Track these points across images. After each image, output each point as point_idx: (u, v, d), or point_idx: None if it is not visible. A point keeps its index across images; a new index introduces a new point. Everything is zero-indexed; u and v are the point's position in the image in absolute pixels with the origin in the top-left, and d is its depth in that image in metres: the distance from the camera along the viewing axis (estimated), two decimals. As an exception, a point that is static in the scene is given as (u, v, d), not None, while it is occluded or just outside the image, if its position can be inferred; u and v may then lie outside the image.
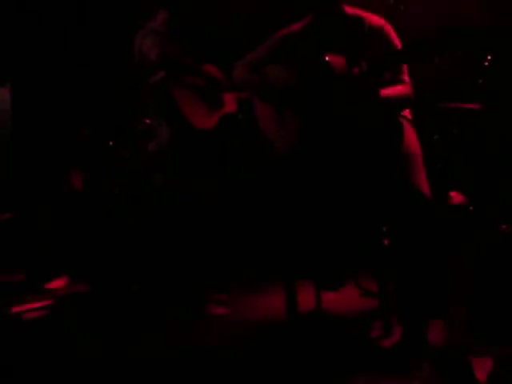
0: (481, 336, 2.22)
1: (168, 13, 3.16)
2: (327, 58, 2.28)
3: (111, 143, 3.92)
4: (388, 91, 2.29)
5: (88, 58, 4.41)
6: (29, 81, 4.41)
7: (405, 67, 2.41)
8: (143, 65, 3.13)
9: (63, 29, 4.45)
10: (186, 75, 3.15)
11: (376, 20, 2.46)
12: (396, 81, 2.35)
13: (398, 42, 2.41)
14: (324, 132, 2.37)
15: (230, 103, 3.28)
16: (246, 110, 3.21)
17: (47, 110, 4.34)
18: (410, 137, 2.38)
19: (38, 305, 3.29)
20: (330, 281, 2.47)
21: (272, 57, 2.59)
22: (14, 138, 4.36)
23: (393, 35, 2.42)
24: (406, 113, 2.48)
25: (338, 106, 2.29)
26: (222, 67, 3.31)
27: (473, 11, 3.54)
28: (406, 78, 2.40)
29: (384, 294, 2.46)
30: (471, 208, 2.57)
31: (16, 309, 3.19)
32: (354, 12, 2.49)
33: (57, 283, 3.79)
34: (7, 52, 4.31)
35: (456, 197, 2.63)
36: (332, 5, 2.45)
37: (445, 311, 2.25)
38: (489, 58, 3.17)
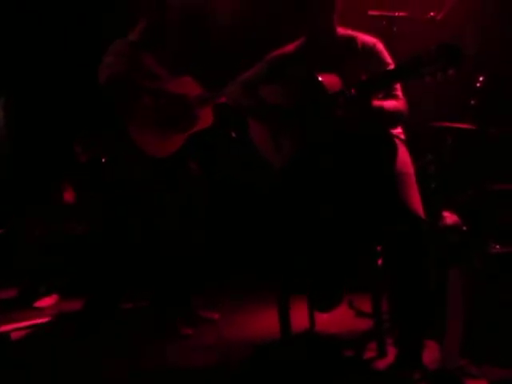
0: (476, 358, 2.20)
1: (146, 22, 3.11)
2: (320, 79, 2.28)
3: (103, 160, 3.90)
4: (381, 103, 2.30)
5: (80, 72, 4.41)
6: (22, 95, 4.41)
7: (398, 83, 2.42)
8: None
9: (56, 45, 4.46)
10: (144, 97, 3.06)
11: (368, 39, 2.48)
12: (390, 96, 2.36)
13: (390, 60, 2.43)
14: (318, 152, 2.38)
15: (205, 117, 3.16)
16: (240, 128, 3.20)
17: (40, 124, 4.34)
18: (403, 156, 2.39)
19: (26, 323, 3.25)
20: (324, 302, 2.45)
21: (265, 78, 2.60)
22: (7, 151, 4.35)
23: (385, 53, 2.44)
24: (399, 132, 2.49)
25: (331, 126, 2.30)
26: (208, 76, 3.27)
27: (464, 33, 3.60)
28: (400, 93, 2.41)
29: (378, 314, 2.44)
30: (465, 228, 2.56)
31: (4, 327, 3.14)
32: (346, 32, 2.51)
33: (46, 301, 3.75)
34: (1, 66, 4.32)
35: (449, 217, 2.63)
36: (325, 26, 2.47)
37: (440, 332, 2.24)
38: (480, 79, 3.19)
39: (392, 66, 2.38)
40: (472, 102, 3.13)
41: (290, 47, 2.60)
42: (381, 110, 2.28)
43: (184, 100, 3.15)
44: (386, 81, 2.25)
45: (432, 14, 3.28)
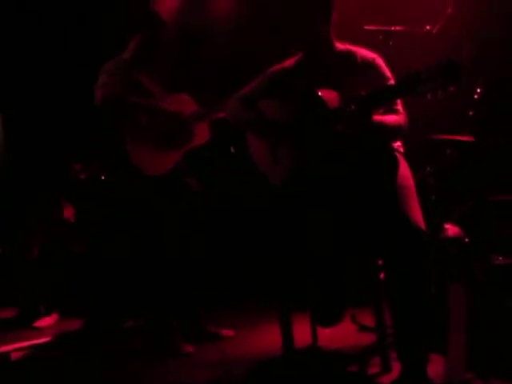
0: (481, 372, 2.18)
1: (140, 40, 3.11)
2: (320, 94, 2.29)
3: (103, 177, 3.90)
4: (382, 118, 2.30)
5: (80, 88, 4.43)
6: (20, 111, 4.42)
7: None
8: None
9: (55, 60, 4.48)
10: (139, 115, 3.07)
11: (367, 54, 2.49)
12: (390, 110, 2.37)
13: (389, 75, 2.43)
14: (318, 166, 2.37)
15: (200, 134, 3.15)
16: (239, 143, 3.20)
17: (39, 140, 4.35)
18: (403, 169, 2.38)
19: (26, 343, 3.23)
20: (327, 316, 2.43)
21: (265, 92, 2.60)
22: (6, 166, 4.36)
23: (384, 68, 2.45)
24: (398, 145, 2.49)
25: (331, 141, 2.30)
26: (203, 93, 3.27)
27: (460, 46, 3.61)
28: (400, 108, 2.42)
29: (381, 328, 2.42)
30: (466, 240, 2.55)
31: (3, 348, 3.12)
32: (345, 47, 2.52)
33: (46, 321, 3.72)
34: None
35: (451, 229, 2.63)
36: (324, 41, 2.48)
37: (444, 346, 2.22)
38: (478, 90, 3.20)
39: (392, 81, 2.39)
40: (470, 114, 3.14)
41: (289, 62, 2.60)
42: (381, 124, 2.28)
43: (179, 117, 3.15)
44: (387, 97, 2.25)
45: (428, 27, 3.31)
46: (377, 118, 2.26)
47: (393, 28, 3.28)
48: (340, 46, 2.52)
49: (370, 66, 2.43)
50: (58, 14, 4.37)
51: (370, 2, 3.91)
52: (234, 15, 4.22)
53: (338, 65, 2.46)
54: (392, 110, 2.37)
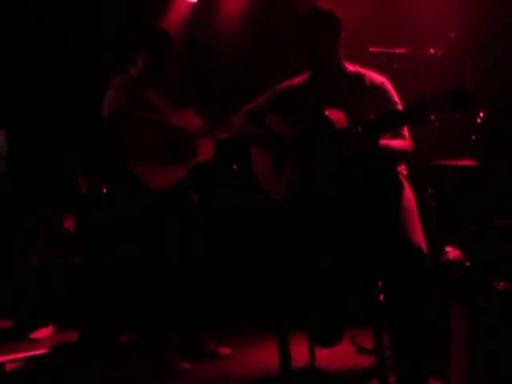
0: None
1: (148, 57, 3.13)
2: (327, 113, 2.30)
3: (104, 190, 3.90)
4: (388, 142, 2.31)
5: (81, 102, 4.46)
6: (23, 124, 4.44)
7: None
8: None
9: (56, 78, 4.52)
10: (146, 130, 3.09)
11: (376, 77, 2.49)
12: (397, 135, 2.37)
13: (397, 99, 2.44)
14: (322, 184, 2.37)
15: (205, 150, 3.19)
16: (241, 160, 3.21)
17: (41, 152, 4.36)
18: (406, 192, 2.39)
19: (22, 355, 3.20)
20: (325, 337, 2.42)
21: (272, 108, 2.61)
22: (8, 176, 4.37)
23: (393, 92, 2.45)
24: (402, 168, 2.50)
25: (337, 161, 2.30)
26: (209, 109, 3.29)
27: (463, 70, 3.64)
28: (406, 133, 2.42)
29: (380, 351, 2.40)
30: (467, 264, 2.55)
31: (-1, 359, 3.10)
32: (354, 69, 2.53)
33: (42, 333, 3.70)
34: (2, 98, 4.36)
35: (452, 252, 2.62)
36: (333, 62, 2.49)
37: (444, 371, 2.20)
38: (481, 114, 3.22)
39: (399, 106, 2.40)
40: (472, 138, 3.15)
41: (298, 79, 2.61)
42: (387, 148, 2.29)
43: (185, 132, 3.17)
44: (394, 123, 2.26)
45: (432, 50, 3.33)
46: (383, 142, 2.27)
47: (397, 51, 3.31)
48: (350, 67, 2.53)
49: (379, 89, 2.44)
50: (57, 18, 4.42)
51: (375, 25, 3.96)
52: (241, 33, 4.25)
53: (347, 86, 2.47)
54: (398, 135, 2.38)
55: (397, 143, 2.35)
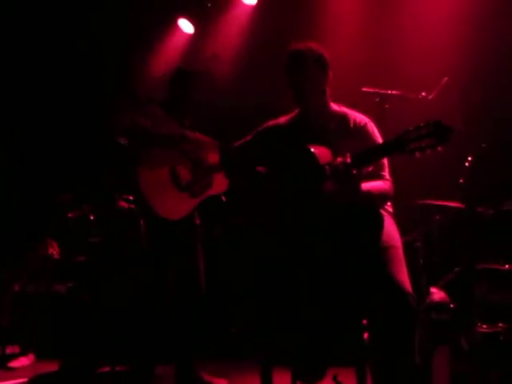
0: None
1: (170, 95, 3.16)
2: (312, 150, 2.32)
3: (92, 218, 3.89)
4: (369, 185, 2.33)
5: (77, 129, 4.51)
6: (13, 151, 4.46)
7: (386, 164, 2.46)
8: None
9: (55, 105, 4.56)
10: (174, 158, 3.06)
11: (360, 118, 2.53)
12: (377, 176, 2.40)
13: (380, 141, 2.46)
14: (305, 222, 2.38)
15: (219, 183, 3.15)
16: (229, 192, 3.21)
17: (28, 178, 4.37)
18: (390, 229, 2.39)
19: (-2, 384, 3.14)
20: (308, 374, 2.39)
21: (257, 146, 2.64)
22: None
23: (376, 134, 2.49)
24: (388, 205, 2.51)
25: (321, 197, 2.31)
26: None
27: (455, 113, 3.70)
28: (387, 174, 2.45)
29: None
30: (452, 306, 2.55)
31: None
32: (339, 109, 2.57)
33: (22, 361, 3.64)
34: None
35: (437, 293, 2.62)
36: (319, 102, 2.53)
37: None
38: (469, 158, 3.25)
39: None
40: (461, 181, 3.18)
41: (283, 119, 2.65)
42: (368, 192, 2.31)
43: (202, 164, 3.14)
44: (376, 155, 2.29)
45: (424, 93, 3.39)
46: (364, 186, 2.29)
47: (389, 92, 3.37)
48: (335, 107, 2.57)
49: (362, 130, 2.48)
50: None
51: (368, 66, 4.04)
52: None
53: (331, 126, 2.50)
54: (379, 176, 2.40)
55: (377, 185, 2.37)
